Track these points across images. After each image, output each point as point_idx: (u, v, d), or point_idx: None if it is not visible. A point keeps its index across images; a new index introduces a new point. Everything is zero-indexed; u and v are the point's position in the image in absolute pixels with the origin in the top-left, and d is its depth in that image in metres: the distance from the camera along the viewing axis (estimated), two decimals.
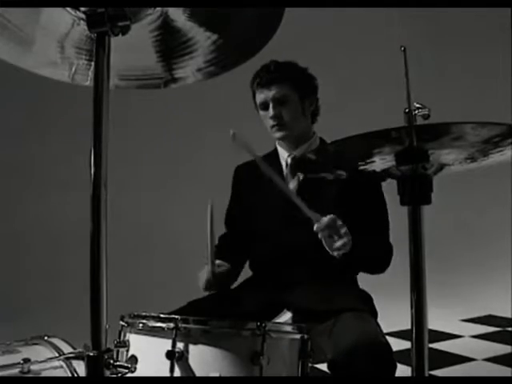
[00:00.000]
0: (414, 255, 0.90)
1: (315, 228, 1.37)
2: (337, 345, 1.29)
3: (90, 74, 1.00)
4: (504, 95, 4.49)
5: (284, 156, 1.71)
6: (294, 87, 1.62)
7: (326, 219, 1.37)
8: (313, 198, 1.60)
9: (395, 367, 1.26)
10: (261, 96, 1.63)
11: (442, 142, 0.80)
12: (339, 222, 1.38)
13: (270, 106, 1.61)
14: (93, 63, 0.85)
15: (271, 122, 1.62)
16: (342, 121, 3.60)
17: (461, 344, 3.29)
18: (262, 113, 1.66)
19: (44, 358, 1.18)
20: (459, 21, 4.79)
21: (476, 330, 3.61)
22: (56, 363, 1.18)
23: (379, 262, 1.59)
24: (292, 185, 1.66)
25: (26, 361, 1.13)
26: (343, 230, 1.37)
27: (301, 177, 1.65)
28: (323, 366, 1.31)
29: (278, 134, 1.63)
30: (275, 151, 1.74)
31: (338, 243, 1.37)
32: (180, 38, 0.96)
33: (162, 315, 1.04)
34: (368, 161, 0.90)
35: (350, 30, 4.81)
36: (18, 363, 1.13)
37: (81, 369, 1.16)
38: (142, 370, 1.01)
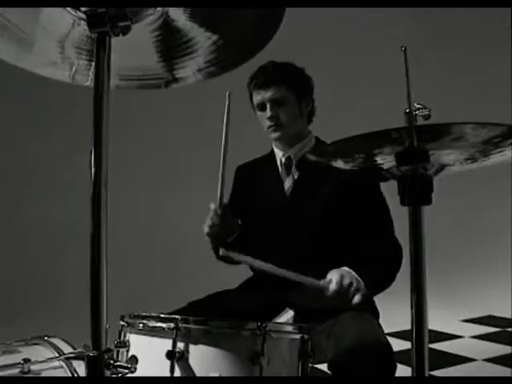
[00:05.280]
0: (414, 255, 0.90)
1: (328, 295, 1.34)
2: (337, 345, 1.29)
3: (91, 74, 1.00)
4: (504, 95, 4.49)
5: (279, 155, 1.71)
6: (292, 88, 1.61)
7: (332, 287, 1.34)
8: (307, 197, 1.60)
9: (395, 367, 1.26)
10: (258, 97, 1.63)
11: (442, 143, 0.80)
12: (345, 282, 1.34)
13: (268, 106, 1.61)
14: (93, 63, 0.86)
15: (268, 123, 1.62)
16: (343, 121, 3.60)
17: (461, 344, 3.29)
18: (259, 113, 1.66)
19: (44, 358, 1.18)
20: (459, 20, 4.79)
21: (476, 330, 3.62)
22: (56, 363, 1.18)
23: (393, 270, 1.52)
24: (287, 184, 1.66)
25: (26, 361, 1.13)
26: (352, 287, 1.34)
27: (295, 176, 1.65)
28: (323, 366, 1.31)
29: (275, 135, 1.63)
30: (272, 152, 1.74)
31: (357, 299, 1.34)
32: (180, 39, 0.96)
33: (162, 315, 1.04)
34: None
35: (350, 29, 4.81)
36: (18, 363, 1.13)
37: (81, 369, 1.16)
38: (142, 370, 1.01)
